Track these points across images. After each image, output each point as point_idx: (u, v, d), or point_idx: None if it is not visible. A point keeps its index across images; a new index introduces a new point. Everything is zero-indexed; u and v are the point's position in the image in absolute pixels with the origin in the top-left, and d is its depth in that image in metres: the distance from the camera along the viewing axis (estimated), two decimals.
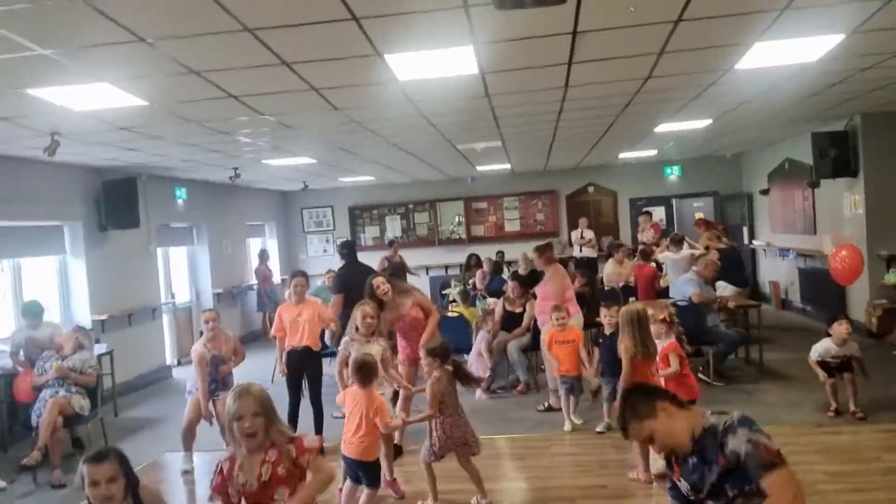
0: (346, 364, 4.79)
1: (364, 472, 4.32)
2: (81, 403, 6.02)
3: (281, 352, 6.24)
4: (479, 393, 7.34)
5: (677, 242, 9.02)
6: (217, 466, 2.94)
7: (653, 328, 5.53)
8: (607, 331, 5.92)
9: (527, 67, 5.17)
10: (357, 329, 5.17)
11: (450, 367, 4.66)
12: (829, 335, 5.98)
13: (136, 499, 2.78)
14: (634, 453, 4.96)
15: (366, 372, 4.31)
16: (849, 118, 9.04)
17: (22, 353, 6.60)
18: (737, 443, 2.18)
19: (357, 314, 5.19)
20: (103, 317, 8.45)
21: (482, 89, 5.75)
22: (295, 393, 6.19)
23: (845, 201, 9.42)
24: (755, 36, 4.72)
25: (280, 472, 2.82)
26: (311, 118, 6.59)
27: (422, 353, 4.90)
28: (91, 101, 5.19)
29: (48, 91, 4.87)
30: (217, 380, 5.88)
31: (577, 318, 6.84)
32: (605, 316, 5.94)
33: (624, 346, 4.95)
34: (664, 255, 9.21)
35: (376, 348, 5.00)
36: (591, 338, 8.57)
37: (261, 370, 8.58)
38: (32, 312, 6.79)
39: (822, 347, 6.00)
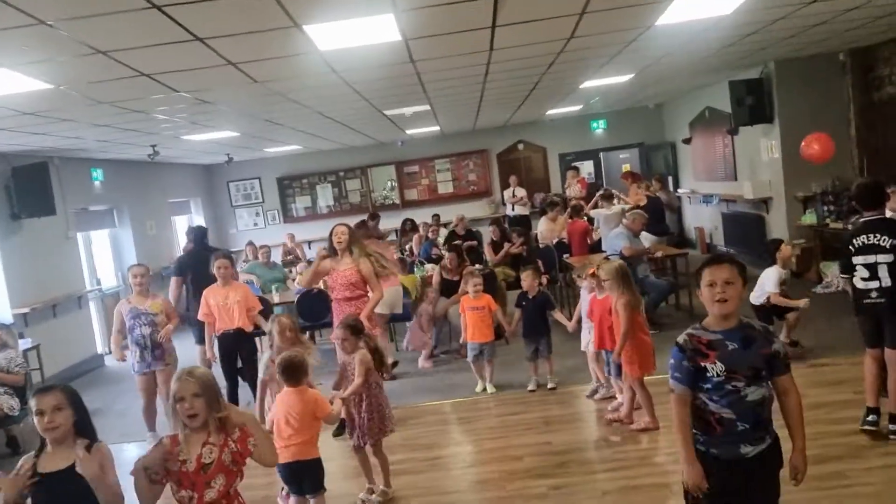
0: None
1: (307, 475, 3.88)
2: (10, 403, 5.80)
3: (210, 336, 6.12)
4: (421, 360, 7.42)
5: (608, 198, 9.23)
6: (158, 441, 2.92)
7: (585, 283, 5.75)
8: (530, 294, 6.11)
9: (451, 32, 5.10)
10: (272, 346, 4.59)
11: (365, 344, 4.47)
12: (773, 263, 6.21)
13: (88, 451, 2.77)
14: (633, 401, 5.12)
15: (292, 370, 3.91)
16: (763, 65, 9.32)
17: None
18: (779, 341, 2.65)
19: (274, 329, 4.56)
20: (25, 310, 8.05)
21: (406, 55, 5.65)
22: (232, 377, 6.12)
23: (762, 146, 9.77)
24: None
25: (224, 459, 2.79)
26: (231, 92, 6.36)
27: (339, 331, 4.60)
28: None
29: None
30: (153, 348, 5.72)
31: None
32: (525, 279, 6.15)
33: (624, 301, 4.93)
34: (596, 211, 9.40)
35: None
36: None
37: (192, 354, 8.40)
38: None
39: (776, 277, 6.10)
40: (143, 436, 6.04)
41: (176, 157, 11.75)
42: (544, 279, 6.82)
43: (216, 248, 7.48)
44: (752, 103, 9.28)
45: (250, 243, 10.12)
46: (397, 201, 14.88)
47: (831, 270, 8.41)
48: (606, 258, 7.48)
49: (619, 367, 5.25)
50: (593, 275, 5.51)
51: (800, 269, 9.06)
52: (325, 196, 14.93)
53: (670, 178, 13.82)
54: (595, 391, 5.85)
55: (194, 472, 2.77)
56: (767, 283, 6.14)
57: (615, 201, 9.42)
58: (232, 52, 4.85)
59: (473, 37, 5.33)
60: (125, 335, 5.80)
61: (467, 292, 6.47)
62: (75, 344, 9.09)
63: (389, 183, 14.91)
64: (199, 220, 13.77)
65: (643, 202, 9.47)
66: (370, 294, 5.83)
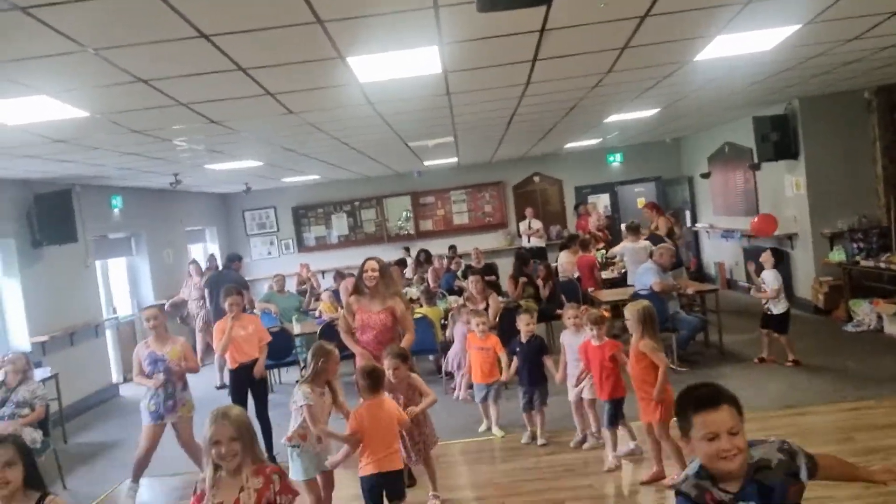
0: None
1: (395, 484, 4.11)
2: (33, 436, 5.61)
3: (221, 366, 6.05)
4: (460, 392, 7.20)
5: (634, 230, 9.10)
6: (194, 487, 2.87)
7: (590, 332, 5.32)
8: (524, 338, 5.75)
9: (491, 66, 5.07)
10: (311, 380, 4.29)
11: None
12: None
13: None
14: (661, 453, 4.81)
15: (376, 378, 4.14)
16: (787, 102, 9.30)
17: None
18: (801, 455, 2.12)
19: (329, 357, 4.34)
20: (43, 338, 7.94)
21: (444, 88, 5.62)
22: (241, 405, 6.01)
23: (787, 182, 9.71)
24: (719, 28, 4.74)
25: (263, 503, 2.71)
26: (264, 122, 6.32)
27: (390, 360, 4.56)
28: (25, 114, 4.82)
29: None
30: (165, 398, 5.49)
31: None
32: (521, 324, 5.77)
33: (651, 346, 4.62)
34: (622, 245, 9.28)
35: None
36: (551, 330, 8.64)
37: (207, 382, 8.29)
38: None
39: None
40: (164, 469, 5.88)
41: (195, 185, 11.72)
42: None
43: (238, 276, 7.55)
44: (777, 139, 9.24)
45: (278, 275, 10.09)
46: (412, 231, 14.81)
47: (861, 308, 8.29)
48: (636, 293, 7.37)
49: (606, 415, 5.12)
50: (601, 319, 5.21)
51: (827, 307, 8.94)
52: (340, 226, 14.87)
53: (688, 213, 13.78)
54: (583, 440, 5.60)
55: None
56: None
57: (643, 231, 9.29)
58: (272, 82, 4.82)
59: (513, 70, 5.30)
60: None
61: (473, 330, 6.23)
62: (92, 373, 8.95)
63: (405, 213, 14.86)
64: (214, 249, 13.72)
65: (674, 231, 9.45)
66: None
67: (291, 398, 4.26)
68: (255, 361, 6.04)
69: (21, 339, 7.82)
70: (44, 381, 7.03)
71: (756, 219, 9.94)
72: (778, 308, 7.16)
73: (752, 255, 11.01)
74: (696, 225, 13.53)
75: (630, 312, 4.76)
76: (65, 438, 7.45)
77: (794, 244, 9.73)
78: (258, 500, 2.70)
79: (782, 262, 8.11)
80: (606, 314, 5.44)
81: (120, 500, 5.66)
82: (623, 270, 9.48)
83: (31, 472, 2.74)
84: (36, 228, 8.03)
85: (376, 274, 5.28)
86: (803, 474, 2.08)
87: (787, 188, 9.73)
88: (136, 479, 5.59)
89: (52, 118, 4.99)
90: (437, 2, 3.54)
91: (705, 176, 12.70)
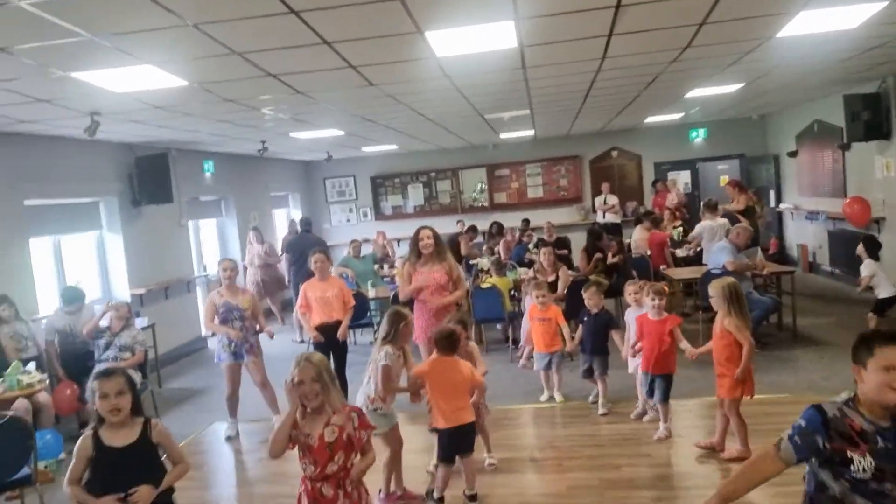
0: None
1: (467, 438, 4.35)
2: (134, 377, 6.18)
3: (309, 325, 6.37)
4: (522, 361, 7.43)
5: (712, 208, 8.98)
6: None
7: (643, 301, 5.46)
8: (593, 311, 5.89)
9: (567, 40, 5.15)
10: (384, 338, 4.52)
11: None
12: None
13: (145, 429, 3.09)
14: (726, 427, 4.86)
15: (451, 340, 4.37)
16: (881, 80, 8.89)
17: (56, 341, 6.66)
18: None
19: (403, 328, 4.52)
20: (141, 291, 8.63)
21: (520, 62, 5.74)
22: None
23: (877, 164, 9.32)
24: (801, 5, 4.66)
25: (344, 438, 3.07)
26: (346, 93, 6.60)
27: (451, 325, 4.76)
28: (132, 82, 5.23)
29: (91, 74, 4.91)
30: (247, 337, 6.02)
31: None
32: (589, 297, 5.90)
33: (737, 324, 4.59)
34: (701, 225, 9.17)
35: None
36: (620, 305, 8.68)
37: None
38: (73, 298, 6.86)
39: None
40: (251, 415, 6.37)
41: (280, 152, 12.25)
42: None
43: (317, 237, 7.93)
44: (869, 118, 8.87)
45: (354, 241, 10.49)
46: (486, 204, 14.98)
47: None
48: (708, 272, 7.33)
49: (659, 391, 5.18)
50: (661, 292, 5.26)
51: None
52: (416, 196, 15.21)
53: (772, 192, 13.37)
54: (644, 412, 5.68)
55: (318, 449, 3.04)
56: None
57: (720, 212, 9.14)
58: (355, 55, 5.06)
59: (588, 45, 5.36)
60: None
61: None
62: (183, 325, 9.65)
63: (479, 185, 15.03)
64: (297, 214, 14.30)
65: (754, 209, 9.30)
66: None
67: (371, 358, 4.51)
68: (336, 322, 6.32)
69: (122, 290, 8.52)
70: (142, 329, 7.67)
71: (847, 201, 9.60)
72: (882, 293, 7.44)
73: (836, 238, 10.69)
74: (781, 205, 13.11)
75: (715, 290, 4.74)
76: (159, 383, 8.12)
77: (882, 228, 9.36)
78: (339, 433, 3.06)
79: (879, 248, 7.85)
80: (667, 289, 5.46)
81: (219, 435, 6.25)
82: (699, 249, 9.38)
83: (136, 401, 3.13)
84: (136, 188, 8.68)
85: (431, 241, 5.77)
86: None
87: (876, 170, 9.34)
88: (232, 415, 6.19)
89: (154, 87, 5.41)
90: None
91: (792, 154, 12.28)
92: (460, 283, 5.93)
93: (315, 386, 3.06)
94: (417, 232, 5.83)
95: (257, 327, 6.21)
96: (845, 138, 9.70)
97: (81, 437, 3.06)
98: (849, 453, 2.16)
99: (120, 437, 3.03)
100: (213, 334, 6.24)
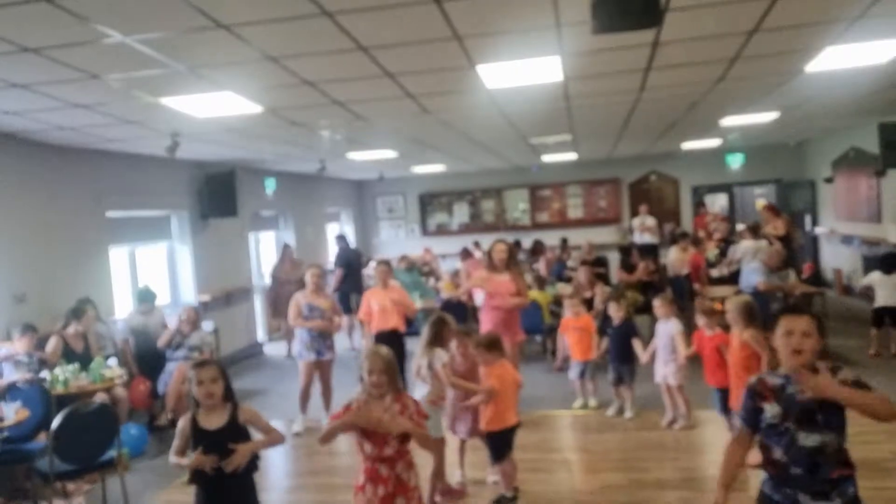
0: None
1: (511, 437, 4.69)
2: None
3: (368, 335, 6.89)
4: (557, 363, 7.83)
5: (753, 231, 9.27)
6: (349, 402, 3.56)
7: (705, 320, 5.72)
8: (616, 322, 6.41)
9: (608, 73, 5.64)
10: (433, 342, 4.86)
11: None
12: None
13: (234, 413, 3.43)
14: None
15: (496, 345, 4.74)
16: None
17: (131, 340, 7.27)
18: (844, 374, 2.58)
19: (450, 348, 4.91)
20: (206, 297, 9.31)
21: (563, 93, 6.25)
22: None
23: None
24: (827, 41, 5.01)
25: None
26: (405, 120, 7.20)
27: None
28: (213, 108, 5.82)
29: (177, 99, 5.50)
30: (324, 339, 6.59)
31: None
32: (612, 310, 6.46)
33: (755, 336, 4.80)
34: (744, 245, 9.47)
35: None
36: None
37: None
38: (146, 298, 7.52)
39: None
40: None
41: (336, 172, 12.95)
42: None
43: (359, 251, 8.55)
44: None
45: (404, 257, 11.04)
46: (528, 222, 15.46)
47: None
48: (739, 292, 7.68)
49: (724, 404, 5.28)
50: (713, 311, 5.58)
51: None
52: (461, 214, 15.79)
53: (808, 217, 13.55)
54: (674, 419, 6.06)
55: (377, 433, 3.43)
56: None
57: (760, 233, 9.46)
58: (414, 86, 5.63)
59: (627, 78, 5.84)
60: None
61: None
62: (242, 331, 10.33)
63: (522, 205, 15.53)
64: (348, 230, 15.04)
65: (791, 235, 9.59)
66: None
67: (415, 364, 4.81)
68: (393, 330, 6.70)
69: (189, 296, 9.22)
70: (209, 332, 8.33)
71: None
72: (877, 302, 7.90)
73: (870, 262, 10.84)
74: (816, 229, 13.29)
75: (730, 306, 5.09)
76: None
77: None
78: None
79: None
80: (719, 307, 5.74)
81: (289, 430, 6.64)
82: (735, 269, 9.68)
83: (228, 388, 3.51)
84: (206, 203, 9.40)
85: (504, 255, 6.48)
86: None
87: None
88: (303, 410, 6.77)
89: (234, 112, 6.04)
90: (559, 21, 4.18)
91: (829, 180, 12.49)
92: (524, 292, 6.60)
93: (382, 377, 3.46)
94: (493, 245, 6.63)
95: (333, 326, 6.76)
96: (881, 165, 9.93)
97: (181, 419, 3.52)
98: (762, 405, 2.63)
99: (213, 420, 3.38)
100: (287, 338, 6.73)
